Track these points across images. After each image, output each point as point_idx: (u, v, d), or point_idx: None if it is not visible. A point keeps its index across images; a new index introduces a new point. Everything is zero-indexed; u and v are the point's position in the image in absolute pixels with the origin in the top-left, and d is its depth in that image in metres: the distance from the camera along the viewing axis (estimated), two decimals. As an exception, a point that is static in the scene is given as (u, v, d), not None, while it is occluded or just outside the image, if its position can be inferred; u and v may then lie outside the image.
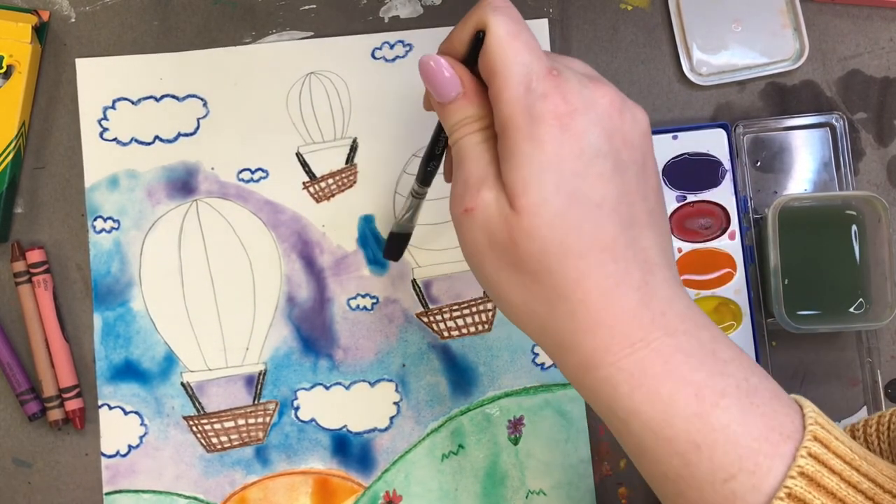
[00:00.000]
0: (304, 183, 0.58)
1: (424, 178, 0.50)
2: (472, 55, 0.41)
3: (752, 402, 0.38)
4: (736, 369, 0.39)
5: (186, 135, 0.58)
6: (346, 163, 0.58)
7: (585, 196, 0.38)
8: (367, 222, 0.58)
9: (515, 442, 0.57)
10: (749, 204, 0.57)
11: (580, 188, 0.38)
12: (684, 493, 0.38)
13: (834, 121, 0.58)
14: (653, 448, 0.38)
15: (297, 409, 0.57)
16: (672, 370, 0.38)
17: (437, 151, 0.47)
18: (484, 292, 0.57)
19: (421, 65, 0.42)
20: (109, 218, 0.58)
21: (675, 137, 0.57)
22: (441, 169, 0.49)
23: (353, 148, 0.58)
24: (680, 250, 0.57)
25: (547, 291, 0.39)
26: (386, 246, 0.56)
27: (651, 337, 0.38)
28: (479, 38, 0.41)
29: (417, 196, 0.51)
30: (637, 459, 0.40)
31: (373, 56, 0.59)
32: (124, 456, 0.56)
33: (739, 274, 0.57)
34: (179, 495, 0.56)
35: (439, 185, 0.56)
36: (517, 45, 0.39)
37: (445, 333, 0.58)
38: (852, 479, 0.37)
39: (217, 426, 0.57)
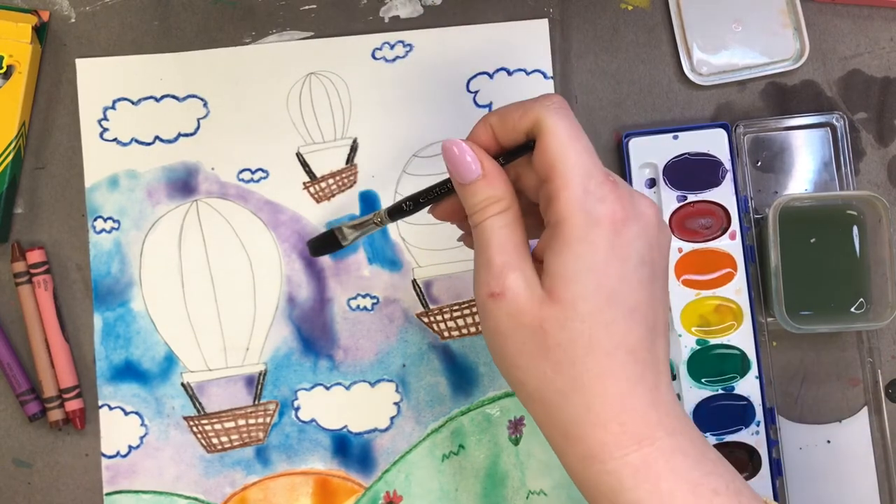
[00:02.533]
0: (304, 183, 0.58)
1: (396, 213, 0.48)
2: (518, 148, 0.44)
3: (740, 501, 0.41)
4: (724, 471, 0.42)
5: (187, 135, 0.58)
6: (347, 163, 0.58)
7: (623, 299, 0.41)
8: (367, 222, 0.58)
9: (516, 442, 0.57)
10: (749, 204, 0.57)
11: (620, 291, 0.41)
12: None
13: (834, 121, 0.58)
14: None
15: (297, 409, 0.57)
16: (673, 468, 0.41)
17: (423, 200, 0.47)
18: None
19: (444, 148, 0.44)
20: (109, 218, 0.58)
21: (675, 137, 0.57)
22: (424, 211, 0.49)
23: (354, 148, 0.58)
24: (680, 250, 0.57)
25: (565, 381, 0.41)
26: (317, 238, 0.53)
27: (656, 436, 0.41)
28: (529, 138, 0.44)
29: (377, 224, 0.49)
30: None
31: (373, 56, 0.59)
32: (124, 456, 0.56)
33: (740, 274, 0.57)
34: (180, 496, 0.56)
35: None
36: (578, 148, 0.42)
37: (446, 333, 0.58)
38: None
39: (217, 426, 0.57)
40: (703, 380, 0.56)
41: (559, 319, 0.41)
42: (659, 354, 0.43)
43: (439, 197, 0.47)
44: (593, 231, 0.41)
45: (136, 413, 0.57)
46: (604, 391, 0.41)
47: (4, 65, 0.56)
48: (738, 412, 0.56)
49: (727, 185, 0.57)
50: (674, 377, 0.57)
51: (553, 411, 0.42)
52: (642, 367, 0.41)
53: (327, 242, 0.52)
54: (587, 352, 0.41)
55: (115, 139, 0.58)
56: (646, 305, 0.42)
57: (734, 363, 0.56)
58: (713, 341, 0.57)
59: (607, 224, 0.41)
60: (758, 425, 0.56)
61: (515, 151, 0.44)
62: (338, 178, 0.58)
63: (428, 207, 0.48)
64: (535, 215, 0.45)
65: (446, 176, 0.45)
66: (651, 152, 0.57)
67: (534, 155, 0.43)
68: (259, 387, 0.57)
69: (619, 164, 0.58)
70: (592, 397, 0.41)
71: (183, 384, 0.57)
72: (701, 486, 0.41)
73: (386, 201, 0.58)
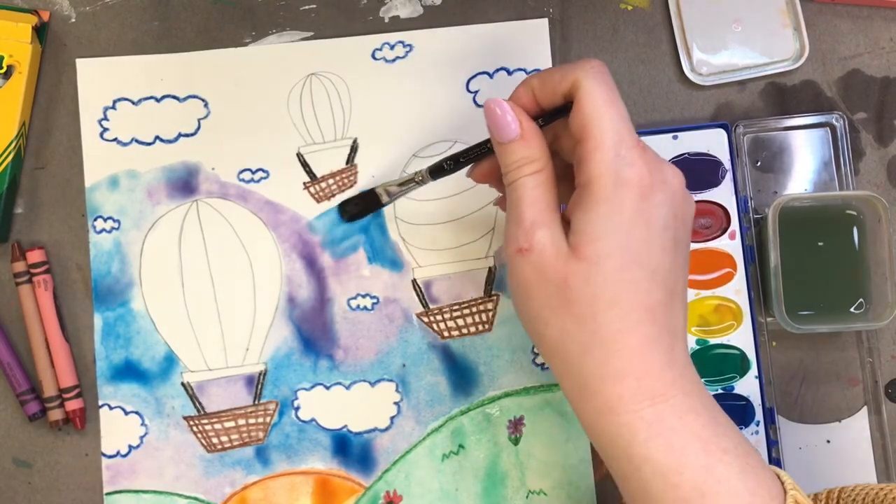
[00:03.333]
0: (304, 183, 0.58)
1: (437, 172, 0.51)
2: (556, 110, 0.46)
3: (748, 462, 0.42)
4: (733, 433, 0.43)
5: (187, 135, 0.58)
6: (347, 163, 0.58)
7: (645, 261, 0.43)
8: (367, 222, 0.58)
9: (516, 442, 0.57)
10: (749, 204, 0.57)
11: (643, 253, 0.43)
12: None
13: (834, 121, 0.58)
14: (659, 493, 0.42)
15: (297, 409, 0.57)
16: (686, 425, 0.42)
17: (463, 160, 0.50)
18: (485, 292, 0.57)
19: (486, 107, 0.46)
20: (110, 218, 0.58)
21: (675, 137, 0.57)
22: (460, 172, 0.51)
23: (354, 148, 0.58)
24: (680, 250, 0.57)
25: (585, 335, 0.43)
26: (352, 199, 0.57)
27: (670, 393, 0.42)
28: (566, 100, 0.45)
29: (419, 183, 0.53)
30: (638, 503, 0.43)
31: (373, 57, 0.59)
32: (125, 456, 0.56)
33: (740, 274, 0.57)
34: (180, 495, 0.56)
35: (443, 187, 0.57)
36: (613, 112, 0.43)
37: (446, 333, 0.58)
38: None
39: (217, 426, 0.57)
40: (702, 380, 0.56)
41: (583, 275, 0.42)
42: (677, 318, 0.44)
43: (479, 157, 0.50)
44: (621, 193, 0.42)
45: (136, 413, 0.57)
46: (622, 346, 0.42)
47: (4, 65, 0.56)
48: (738, 412, 0.56)
49: (727, 185, 0.57)
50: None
51: (572, 364, 0.43)
52: (660, 328, 0.43)
53: (366, 203, 0.55)
54: (608, 307, 0.42)
55: (115, 139, 0.58)
56: (667, 269, 0.43)
57: (734, 363, 0.56)
58: (713, 341, 0.57)
59: (635, 187, 0.43)
60: (757, 425, 0.56)
61: (554, 113, 0.46)
62: (338, 178, 0.58)
63: (467, 169, 0.51)
64: (569, 180, 0.46)
65: (485, 137, 0.47)
66: (651, 152, 0.57)
67: (570, 116, 0.44)
68: (259, 386, 0.57)
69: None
70: (611, 352, 0.42)
71: (183, 384, 0.57)
72: (711, 444, 0.42)
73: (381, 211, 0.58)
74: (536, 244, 0.43)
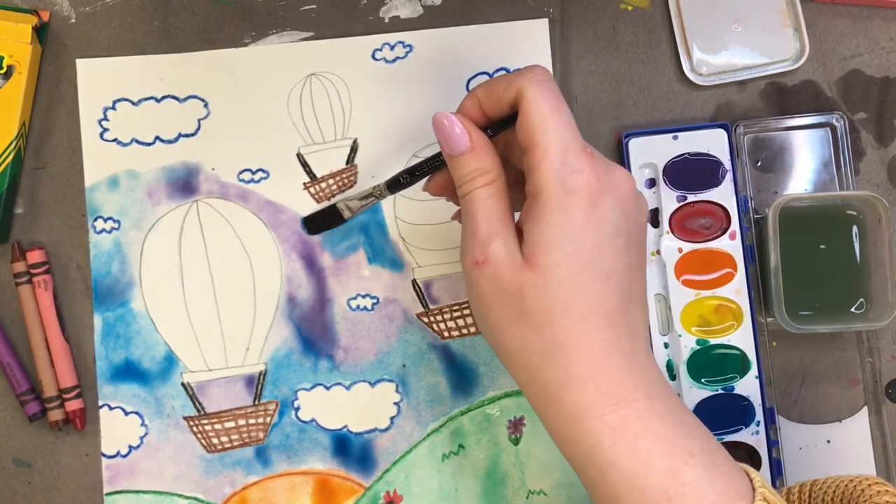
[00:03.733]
0: (304, 183, 0.58)
1: (394, 186, 0.51)
2: (504, 120, 0.46)
3: (714, 462, 0.42)
4: (699, 434, 0.43)
5: (187, 135, 0.58)
6: (347, 163, 0.58)
7: (598, 266, 0.43)
8: (367, 222, 0.58)
9: (516, 442, 0.57)
10: (749, 204, 0.57)
11: (595, 259, 0.43)
12: None
13: (834, 121, 0.58)
14: (626, 497, 0.42)
15: (297, 409, 0.57)
16: (650, 429, 0.42)
17: (418, 173, 0.50)
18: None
19: (434, 121, 0.46)
20: (110, 218, 0.58)
21: (675, 137, 0.57)
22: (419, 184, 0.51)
23: (354, 148, 0.58)
24: (680, 250, 0.57)
25: (544, 343, 0.43)
26: (315, 214, 0.57)
27: (632, 398, 0.42)
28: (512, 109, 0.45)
29: (378, 197, 0.53)
30: None
31: (373, 57, 0.59)
32: (125, 456, 0.56)
33: (740, 274, 0.57)
34: (180, 496, 0.56)
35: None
36: (558, 120, 0.43)
37: (446, 333, 0.58)
38: None
39: (217, 426, 0.57)
40: (703, 380, 0.56)
41: (537, 284, 0.42)
42: (635, 321, 0.44)
43: (433, 169, 0.50)
44: (570, 201, 0.42)
45: (137, 413, 0.57)
46: (580, 354, 0.42)
47: (4, 65, 0.56)
48: (738, 412, 0.56)
49: (727, 185, 0.57)
50: (673, 377, 0.57)
51: (534, 373, 0.44)
52: (617, 331, 0.43)
53: (328, 217, 0.55)
54: (563, 315, 0.42)
55: (115, 139, 0.58)
56: (620, 273, 0.43)
57: (734, 363, 0.56)
58: (713, 341, 0.57)
59: (583, 195, 0.42)
60: (758, 425, 0.56)
61: (502, 123, 0.46)
62: (338, 178, 0.58)
63: (423, 183, 0.51)
64: (522, 186, 0.46)
65: (438, 150, 0.47)
66: (651, 152, 0.57)
67: (517, 126, 0.44)
68: (259, 387, 0.57)
69: (620, 163, 0.58)
70: (570, 359, 0.43)
71: (183, 384, 0.57)
72: (677, 448, 0.42)
73: (386, 201, 0.58)
74: (491, 256, 0.43)
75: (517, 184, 0.47)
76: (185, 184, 0.58)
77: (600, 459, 0.42)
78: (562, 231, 0.42)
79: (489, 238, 0.44)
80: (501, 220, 0.44)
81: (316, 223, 0.57)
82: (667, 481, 0.41)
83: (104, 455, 0.56)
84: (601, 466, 0.42)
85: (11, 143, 0.56)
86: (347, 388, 0.57)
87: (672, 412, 0.43)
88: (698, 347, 0.57)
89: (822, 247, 0.56)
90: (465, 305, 0.58)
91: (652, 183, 0.58)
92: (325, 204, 0.58)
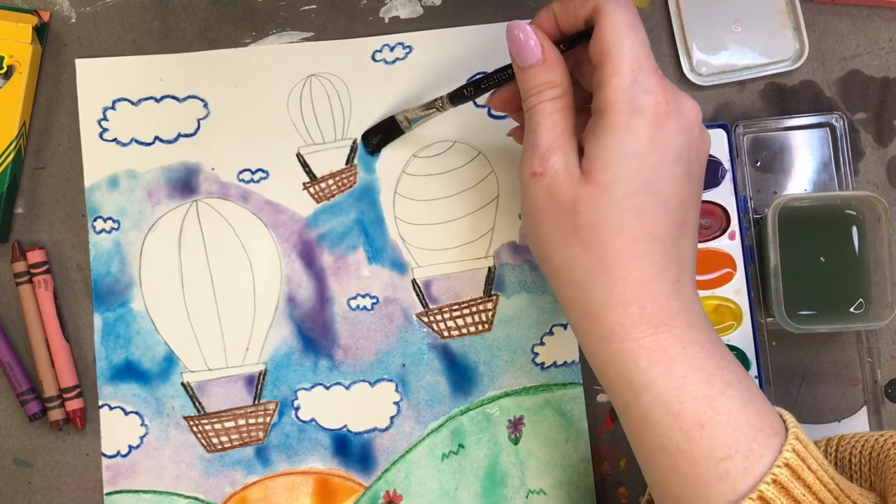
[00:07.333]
0: (304, 183, 0.58)
1: (458, 98, 0.52)
2: (578, 35, 0.45)
3: (750, 397, 0.42)
4: (736, 368, 0.43)
5: (187, 135, 0.58)
6: (347, 163, 0.58)
7: (656, 189, 0.42)
8: (367, 222, 0.58)
9: (515, 442, 0.57)
10: (749, 204, 0.57)
11: (655, 181, 0.42)
12: (679, 467, 0.41)
13: (834, 121, 0.58)
14: (658, 421, 0.41)
15: (297, 409, 0.57)
16: (688, 356, 0.42)
17: (483, 86, 0.50)
18: (485, 292, 0.57)
19: (508, 31, 0.45)
20: (109, 218, 0.58)
21: (674, 137, 0.57)
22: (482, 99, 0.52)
23: (354, 149, 0.58)
24: (680, 250, 0.57)
25: (592, 261, 0.42)
26: (372, 129, 0.57)
27: (674, 324, 0.42)
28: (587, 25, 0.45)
29: (439, 109, 0.53)
30: (637, 432, 0.43)
31: (373, 58, 0.59)
32: (125, 456, 0.57)
33: (739, 274, 0.57)
34: (180, 495, 0.56)
35: (443, 187, 0.56)
36: (633, 38, 0.43)
37: (445, 333, 0.58)
38: (824, 479, 0.41)
39: (217, 426, 0.57)
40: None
41: (593, 200, 0.42)
42: (685, 251, 0.44)
43: (499, 82, 0.49)
44: (636, 119, 0.42)
45: (137, 413, 0.57)
46: (627, 274, 0.42)
47: (5, 65, 0.56)
48: (738, 412, 0.56)
49: (726, 185, 0.57)
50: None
51: (577, 290, 0.43)
52: (667, 259, 0.43)
53: (387, 130, 0.56)
54: (616, 234, 0.42)
55: (114, 139, 0.58)
56: (677, 200, 0.43)
57: (733, 363, 0.56)
58: (713, 341, 0.57)
59: (650, 115, 0.42)
60: (757, 425, 0.56)
61: (575, 38, 0.46)
62: (338, 178, 0.58)
63: (487, 96, 0.50)
64: (588, 113, 0.46)
65: (506, 63, 0.47)
66: (651, 152, 0.57)
67: (590, 42, 0.44)
68: (259, 386, 0.57)
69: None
70: (616, 279, 0.42)
71: (183, 384, 0.57)
72: (714, 377, 0.42)
73: (386, 201, 0.58)
74: (550, 168, 0.43)
75: (582, 109, 0.47)
76: (184, 184, 0.58)
77: (636, 380, 0.42)
78: (624, 148, 0.42)
79: (550, 151, 0.44)
80: (565, 135, 0.44)
81: (374, 137, 0.57)
82: (702, 409, 0.41)
83: (104, 455, 0.57)
84: (636, 388, 0.42)
85: (12, 142, 0.56)
86: (347, 387, 0.57)
87: (712, 343, 0.43)
88: (698, 347, 0.57)
89: (821, 247, 0.56)
90: (465, 305, 0.58)
91: (651, 183, 0.58)
92: (383, 116, 0.57)
